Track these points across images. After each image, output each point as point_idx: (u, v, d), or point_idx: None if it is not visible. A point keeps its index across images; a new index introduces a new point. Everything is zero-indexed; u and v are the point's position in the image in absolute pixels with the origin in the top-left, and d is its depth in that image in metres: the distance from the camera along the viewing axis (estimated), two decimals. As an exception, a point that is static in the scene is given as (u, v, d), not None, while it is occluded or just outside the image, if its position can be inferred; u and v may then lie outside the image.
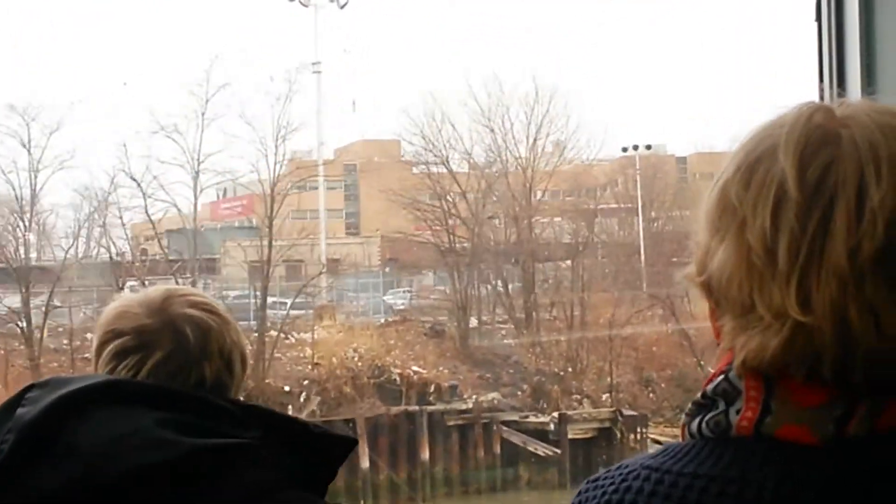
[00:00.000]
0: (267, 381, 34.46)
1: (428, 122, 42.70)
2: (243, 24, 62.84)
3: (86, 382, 1.80)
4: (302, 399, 33.29)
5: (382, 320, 41.10)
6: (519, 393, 36.46)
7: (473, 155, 43.85)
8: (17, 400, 1.79)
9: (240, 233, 45.87)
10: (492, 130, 44.32)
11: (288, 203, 39.56)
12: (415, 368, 36.80)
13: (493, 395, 35.00)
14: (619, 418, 30.94)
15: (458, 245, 41.95)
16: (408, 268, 46.38)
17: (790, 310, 1.14)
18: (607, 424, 31.12)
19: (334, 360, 37.15)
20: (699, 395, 1.26)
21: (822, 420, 1.16)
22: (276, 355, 36.35)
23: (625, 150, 48.27)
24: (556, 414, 31.71)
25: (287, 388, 34.03)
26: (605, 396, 37.18)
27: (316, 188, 44.97)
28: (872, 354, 1.13)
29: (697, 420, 1.25)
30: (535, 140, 44.07)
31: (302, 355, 36.01)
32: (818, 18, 2.80)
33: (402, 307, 43.88)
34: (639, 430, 30.65)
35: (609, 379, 39.12)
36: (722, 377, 1.24)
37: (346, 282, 44.04)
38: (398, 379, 35.30)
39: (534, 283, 42.64)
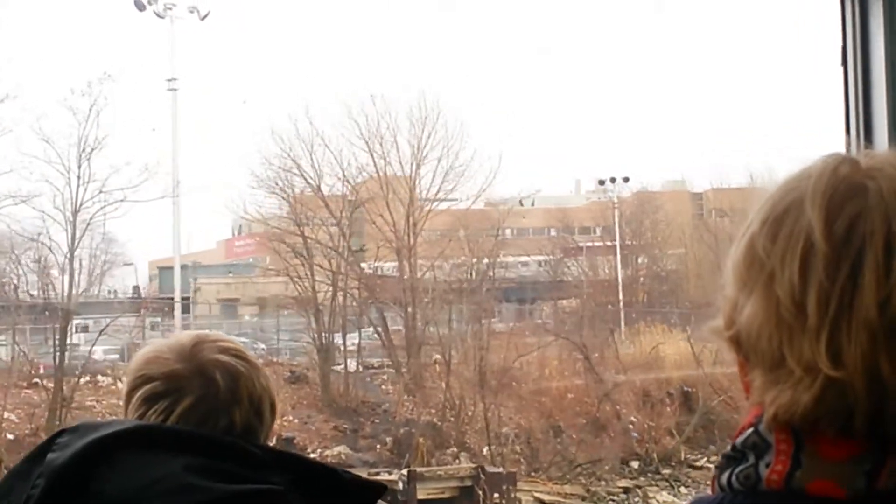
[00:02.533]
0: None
1: (296, 144, 37.55)
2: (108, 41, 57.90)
3: (115, 427, 1.80)
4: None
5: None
6: (378, 446, 31.33)
7: (349, 178, 38.66)
8: (48, 445, 1.78)
9: (245, 270, 44.54)
10: (371, 154, 39.10)
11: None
12: None
13: (340, 448, 31.08)
14: (482, 476, 25.16)
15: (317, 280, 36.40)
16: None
17: (821, 364, 1.13)
18: (468, 483, 25.36)
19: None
20: (729, 447, 1.25)
21: (853, 474, 1.15)
22: (88, 402, 30.91)
23: (602, 182, 45.90)
24: (404, 471, 25.85)
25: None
26: (486, 450, 31.84)
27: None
28: None
29: (727, 473, 1.23)
30: (417, 165, 38.87)
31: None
32: (844, 63, 2.86)
33: (262, 350, 38.67)
34: (505, 488, 24.97)
35: (500, 428, 33.75)
36: (751, 430, 1.23)
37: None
38: None
39: (415, 324, 37.36)
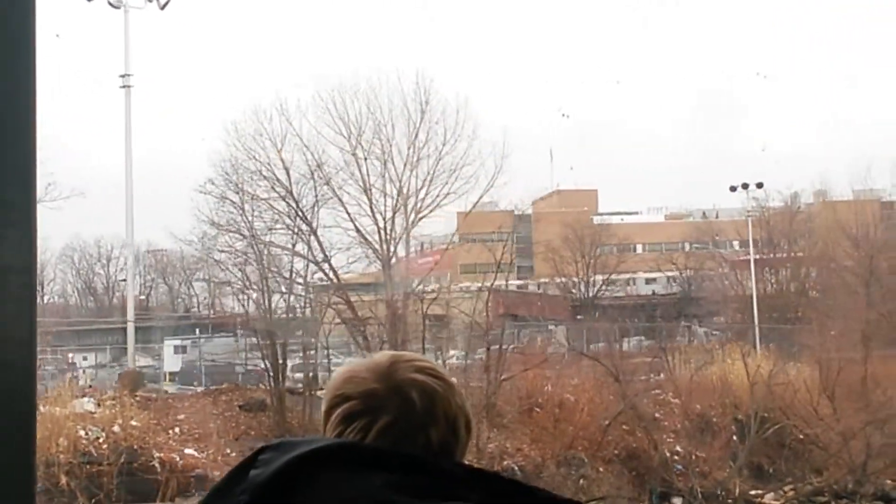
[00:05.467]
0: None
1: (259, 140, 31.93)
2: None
3: (316, 445, 1.84)
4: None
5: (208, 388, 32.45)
6: None
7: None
8: (251, 462, 1.81)
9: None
10: (354, 155, 33.30)
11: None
12: (188, 451, 25.41)
13: None
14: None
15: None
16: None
17: None
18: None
19: (62, 441, 25.92)
20: None
21: None
22: None
23: (733, 189, 43.56)
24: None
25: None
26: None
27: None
28: None
29: None
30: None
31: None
32: None
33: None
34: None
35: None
36: None
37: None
38: (158, 466, 26.25)
39: (398, 340, 30.76)
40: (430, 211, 33.33)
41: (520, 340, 37.72)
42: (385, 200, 32.91)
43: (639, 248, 55.08)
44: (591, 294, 46.42)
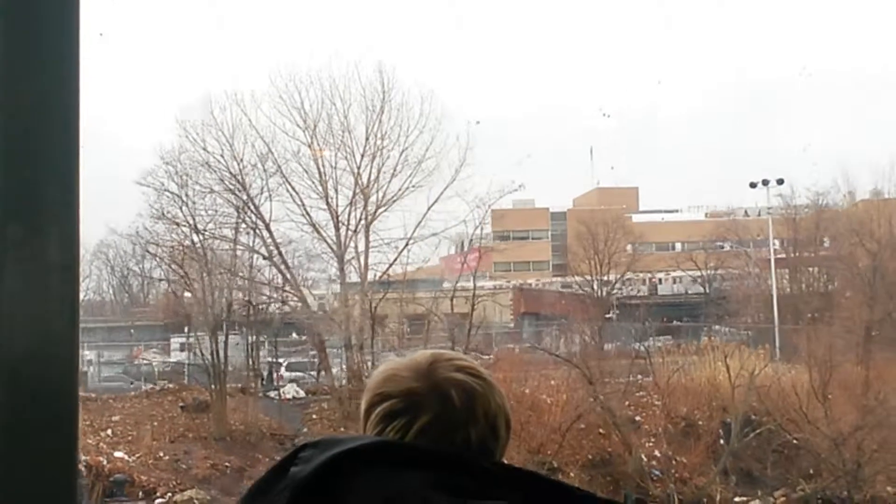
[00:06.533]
0: None
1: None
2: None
3: (356, 443, 1.94)
4: None
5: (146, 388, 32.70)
6: None
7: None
8: (291, 459, 1.92)
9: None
10: (310, 146, 33.27)
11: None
12: (118, 454, 25.60)
13: (191, 492, 26.11)
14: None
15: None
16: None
17: None
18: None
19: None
20: None
21: None
22: None
23: (753, 185, 45.76)
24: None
25: None
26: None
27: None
28: None
29: None
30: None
31: None
32: None
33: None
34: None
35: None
36: None
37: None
38: (84, 470, 26.15)
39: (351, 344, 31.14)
40: (392, 203, 33.34)
41: (539, 340, 38.42)
42: (338, 194, 32.82)
43: (678, 247, 57.14)
44: (620, 293, 47.34)
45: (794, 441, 30.21)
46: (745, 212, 50.52)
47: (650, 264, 53.91)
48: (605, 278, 46.99)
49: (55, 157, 1.73)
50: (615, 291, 47.72)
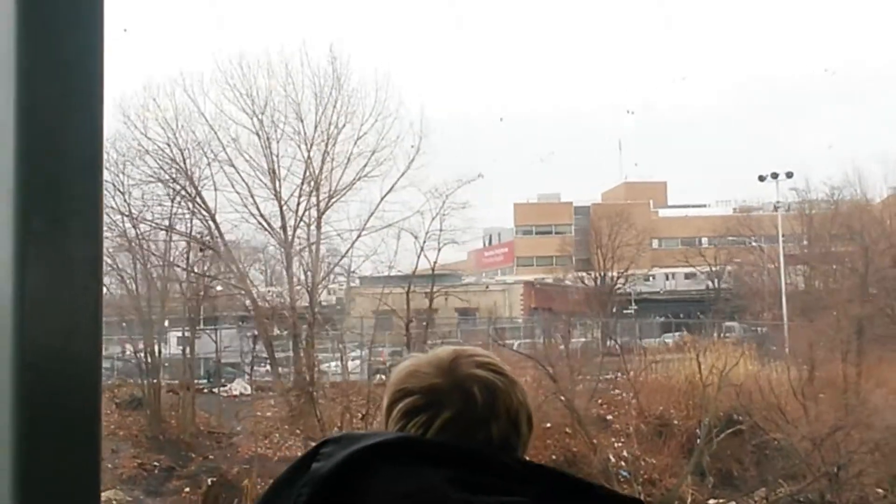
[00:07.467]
0: None
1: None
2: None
3: (378, 439, 2.07)
4: None
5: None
6: (189, 489, 25.32)
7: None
8: (313, 455, 2.06)
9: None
10: (257, 134, 33.29)
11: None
12: None
13: (110, 493, 25.66)
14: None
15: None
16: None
17: None
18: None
19: None
20: None
21: None
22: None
23: (762, 178, 48.62)
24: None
25: None
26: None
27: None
28: None
29: None
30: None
31: None
32: None
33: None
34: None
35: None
36: None
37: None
38: None
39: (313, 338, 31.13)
40: (344, 193, 33.45)
41: (548, 335, 38.86)
42: (284, 183, 32.83)
43: (704, 242, 58.65)
44: (623, 288, 48.38)
45: (775, 441, 30.77)
46: (774, 206, 51.55)
47: (660, 258, 55.26)
48: (613, 274, 47.91)
49: (78, 149, 1.84)
50: (618, 288, 48.58)
